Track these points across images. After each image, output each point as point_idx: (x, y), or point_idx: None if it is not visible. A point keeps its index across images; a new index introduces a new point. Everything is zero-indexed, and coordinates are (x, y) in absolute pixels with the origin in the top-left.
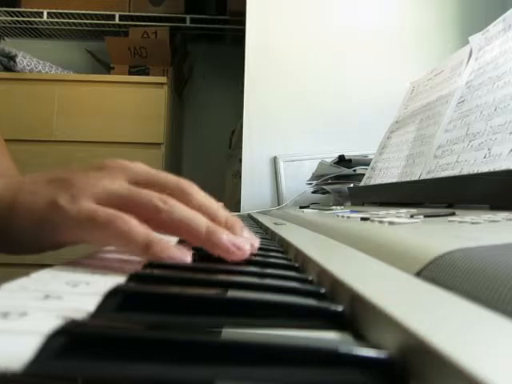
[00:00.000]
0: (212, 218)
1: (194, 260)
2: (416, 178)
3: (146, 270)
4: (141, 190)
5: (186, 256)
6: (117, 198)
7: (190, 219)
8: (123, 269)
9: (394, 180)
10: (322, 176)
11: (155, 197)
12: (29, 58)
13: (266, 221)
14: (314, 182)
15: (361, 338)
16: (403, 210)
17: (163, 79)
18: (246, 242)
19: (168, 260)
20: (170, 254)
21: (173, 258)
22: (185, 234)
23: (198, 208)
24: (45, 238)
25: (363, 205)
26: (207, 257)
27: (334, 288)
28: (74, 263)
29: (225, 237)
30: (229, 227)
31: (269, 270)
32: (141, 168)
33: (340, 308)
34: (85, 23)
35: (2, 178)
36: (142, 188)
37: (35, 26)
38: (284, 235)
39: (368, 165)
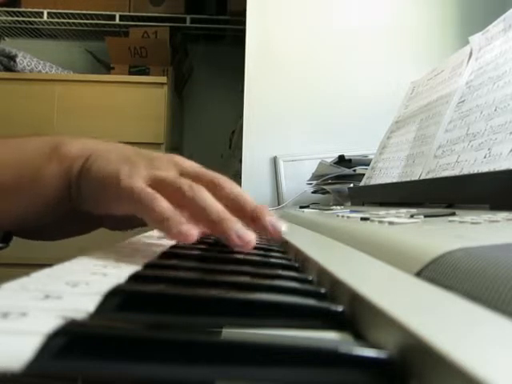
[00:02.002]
0: (238, 204)
1: (204, 245)
2: (416, 178)
3: (146, 270)
4: (179, 178)
5: (193, 232)
6: (160, 182)
7: (206, 206)
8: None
9: (394, 180)
10: (322, 176)
11: (185, 183)
12: (29, 57)
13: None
14: (314, 181)
15: (361, 338)
16: (403, 210)
17: (163, 79)
18: (251, 236)
19: (176, 235)
20: (180, 229)
21: (180, 231)
22: (202, 219)
23: (225, 198)
24: (101, 199)
25: (363, 205)
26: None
27: (334, 288)
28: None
29: (232, 226)
30: (255, 217)
31: (269, 270)
32: (189, 164)
33: (340, 308)
34: (85, 23)
35: (84, 141)
36: (187, 179)
37: (35, 26)
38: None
39: (368, 165)
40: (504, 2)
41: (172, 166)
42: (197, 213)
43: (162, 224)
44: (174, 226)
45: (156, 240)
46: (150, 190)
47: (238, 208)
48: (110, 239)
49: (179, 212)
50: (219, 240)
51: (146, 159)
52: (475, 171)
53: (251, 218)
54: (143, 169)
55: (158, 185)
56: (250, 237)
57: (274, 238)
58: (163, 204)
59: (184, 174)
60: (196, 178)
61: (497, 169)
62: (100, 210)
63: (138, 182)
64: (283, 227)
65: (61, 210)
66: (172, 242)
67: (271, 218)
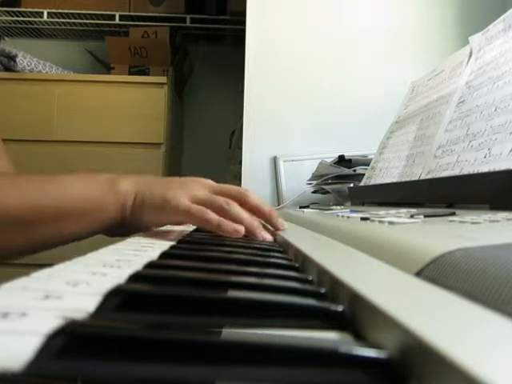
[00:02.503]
0: (259, 210)
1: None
2: (416, 178)
3: (146, 270)
4: (215, 196)
5: (242, 229)
6: (201, 201)
7: (240, 216)
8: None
9: (394, 180)
10: (322, 176)
11: (222, 200)
12: (29, 57)
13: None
14: (314, 181)
15: (361, 338)
16: (403, 210)
17: (163, 79)
18: (269, 236)
19: (232, 232)
20: (234, 228)
21: (235, 229)
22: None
23: (250, 206)
24: (160, 218)
25: (363, 205)
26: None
27: (334, 288)
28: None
29: (258, 231)
30: (269, 216)
31: (269, 270)
32: (215, 183)
33: (340, 308)
34: (85, 23)
35: (131, 178)
36: (217, 195)
37: (35, 25)
38: (284, 235)
39: (368, 165)
40: (504, 2)
41: (201, 186)
42: (233, 221)
43: (219, 227)
44: (228, 225)
45: (155, 240)
46: (198, 206)
47: (259, 212)
48: (109, 239)
49: None
50: (219, 240)
51: (180, 184)
52: (475, 171)
53: (267, 219)
54: (183, 192)
55: (200, 202)
56: (270, 237)
57: (279, 230)
58: (212, 214)
59: (214, 191)
60: (226, 194)
61: (497, 169)
62: (158, 225)
63: (185, 201)
64: (286, 225)
65: (113, 231)
66: (172, 243)
67: (280, 220)
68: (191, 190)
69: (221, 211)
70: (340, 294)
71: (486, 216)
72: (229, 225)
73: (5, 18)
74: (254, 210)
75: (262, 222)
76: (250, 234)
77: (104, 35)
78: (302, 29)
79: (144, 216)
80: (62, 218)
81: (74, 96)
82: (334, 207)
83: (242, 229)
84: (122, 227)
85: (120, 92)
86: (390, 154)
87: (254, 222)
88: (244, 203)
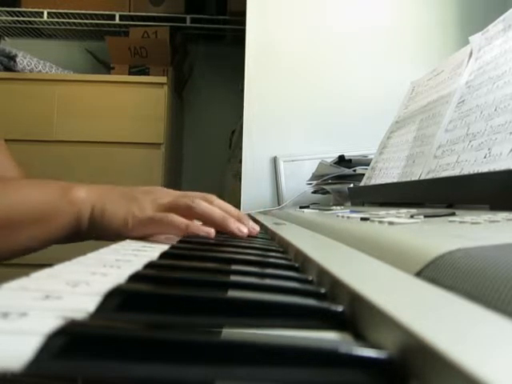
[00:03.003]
0: (227, 212)
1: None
2: (416, 178)
3: (146, 270)
4: (179, 199)
5: (212, 231)
6: (167, 206)
7: (210, 211)
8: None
9: (394, 180)
10: (322, 176)
11: (188, 200)
12: (29, 57)
13: (266, 221)
14: (314, 182)
15: (361, 338)
16: (403, 210)
17: (163, 79)
18: (245, 228)
19: (202, 234)
20: (204, 230)
21: (205, 231)
22: (208, 220)
23: (216, 206)
24: (125, 232)
25: (363, 205)
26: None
27: (334, 288)
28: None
29: (232, 223)
30: (239, 219)
31: (269, 270)
32: (179, 191)
33: (340, 308)
34: (85, 23)
35: (87, 187)
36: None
37: (35, 25)
38: (284, 235)
39: (368, 165)
40: (504, 2)
41: (166, 194)
42: (203, 217)
43: (186, 230)
44: (196, 229)
45: (155, 241)
46: (163, 213)
47: (226, 213)
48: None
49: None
50: (219, 241)
51: (144, 194)
52: (475, 171)
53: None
54: (147, 202)
55: (167, 209)
56: (245, 229)
57: (252, 234)
58: (179, 217)
59: (179, 196)
60: (191, 197)
61: (497, 169)
62: (115, 238)
63: (150, 211)
64: (257, 228)
65: (71, 239)
66: (172, 243)
67: (250, 222)
68: (156, 199)
69: (188, 210)
70: (340, 294)
71: (486, 216)
72: (198, 228)
73: (5, 17)
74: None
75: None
76: (223, 229)
77: (104, 35)
78: (301, 29)
79: (104, 230)
80: (11, 226)
81: (74, 96)
82: (334, 207)
83: (211, 231)
84: (78, 237)
85: (120, 92)
86: (390, 154)
87: (226, 216)
88: (210, 205)
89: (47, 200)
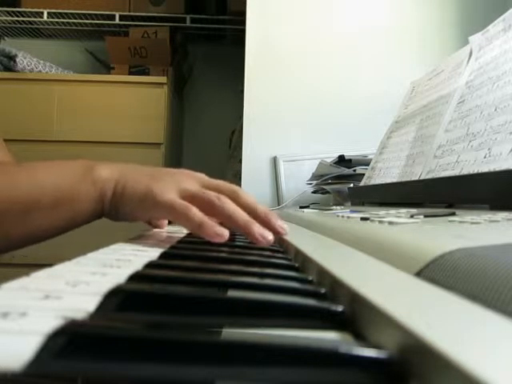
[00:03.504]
0: (253, 211)
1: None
2: (416, 178)
3: (146, 270)
4: (206, 191)
5: (225, 232)
6: (190, 194)
7: (234, 212)
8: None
9: (394, 180)
10: (322, 176)
11: (213, 195)
12: (29, 57)
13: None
14: (314, 181)
15: (361, 338)
16: (403, 210)
17: (163, 79)
18: (270, 235)
19: (213, 236)
20: (215, 230)
21: (216, 232)
22: (230, 222)
23: (242, 204)
24: (140, 212)
25: (363, 205)
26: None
27: (334, 288)
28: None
29: (256, 228)
30: (266, 220)
31: (269, 270)
32: (206, 177)
33: (340, 308)
34: (85, 23)
35: (111, 164)
36: (207, 190)
37: (35, 25)
38: (284, 235)
39: (368, 165)
40: (504, 2)
41: (192, 179)
42: (226, 218)
43: (199, 228)
44: (209, 228)
45: (155, 241)
46: (183, 201)
47: (252, 213)
48: (109, 239)
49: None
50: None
51: (169, 175)
52: (475, 171)
53: (263, 221)
54: (170, 184)
55: (189, 197)
56: (270, 236)
57: (279, 236)
58: (197, 212)
59: (205, 186)
60: (217, 190)
61: (497, 169)
62: (136, 220)
63: (171, 194)
64: (287, 228)
65: (92, 220)
66: (172, 243)
67: (279, 222)
68: (181, 183)
69: (212, 208)
70: (340, 293)
71: (486, 216)
72: (211, 227)
73: (5, 18)
74: (247, 211)
75: None
76: (246, 235)
77: (104, 35)
78: (301, 29)
79: (122, 207)
80: (31, 210)
81: (74, 96)
82: (334, 207)
83: (225, 233)
84: (99, 218)
85: (120, 92)
86: (390, 153)
87: (250, 221)
88: (236, 202)
89: (68, 181)
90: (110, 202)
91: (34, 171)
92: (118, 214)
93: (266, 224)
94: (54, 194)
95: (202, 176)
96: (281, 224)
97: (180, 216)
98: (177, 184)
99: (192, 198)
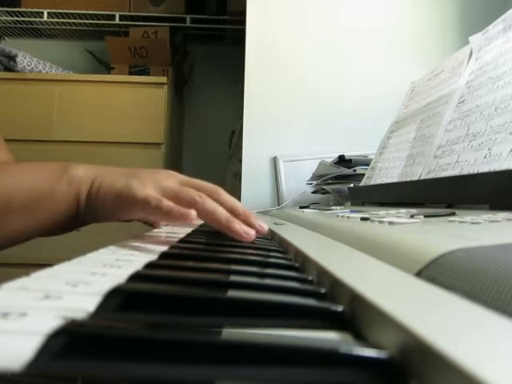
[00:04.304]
0: (234, 210)
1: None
2: (416, 178)
3: (146, 270)
4: (186, 188)
5: (192, 214)
6: (170, 192)
7: (215, 210)
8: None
9: (394, 180)
10: (322, 176)
11: (195, 193)
12: (29, 57)
13: (266, 221)
14: (314, 181)
15: (361, 338)
16: (403, 210)
17: (163, 79)
18: (252, 231)
19: (181, 217)
20: (181, 212)
21: (182, 214)
22: (211, 220)
23: (223, 203)
24: (117, 210)
25: (363, 205)
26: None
27: (334, 288)
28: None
29: (238, 225)
30: (245, 219)
31: (269, 270)
32: (185, 177)
33: (340, 308)
34: (85, 23)
35: (87, 165)
36: (187, 188)
37: (35, 25)
38: (284, 235)
39: (368, 165)
40: (504, 2)
41: (171, 177)
42: (207, 216)
43: (168, 214)
44: (176, 211)
45: (155, 241)
46: (157, 195)
47: (233, 211)
48: (109, 239)
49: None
50: (219, 240)
51: (148, 173)
52: (475, 171)
53: (243, 220)
54: (150, 181)
55: (170, 195)
56: (252, 232)
57: (259, 234)
58: (167, 202)
59: (185, 184)
60: (198, 188)
61: (497, 169)
62: (114, 219)
63: (151, 191)
64: (266, 227)
65: (68, 225)
66: (172, 243)
67: (257, 220)
68: (160, 181)
69: (193, 205)
70: (340, 293)
71: (485, 216)
72: (177, 210)
73: (5, 18)
74: (227, 210)
75: None
76: (227, 231)
77: (104, 35)
78: (302, 29)
79: (98, 206)
80: (3, 210)
81: (74, 96)
82: (334, 207)
83: (192, 213)
84: (77, 220)
85: (120, 92)
86: (390, 154)
87: (232, 218)
88: (216, 201)
89: (43, 181)
90: (85, 200)
91: (8, 172)
92: (95, 213)
93: (247, 222)
94: (28, 194)
95: (182, 175)
96: (259, 222)
97: (158, 213)
98: (156, 182)
99: (173, 196)
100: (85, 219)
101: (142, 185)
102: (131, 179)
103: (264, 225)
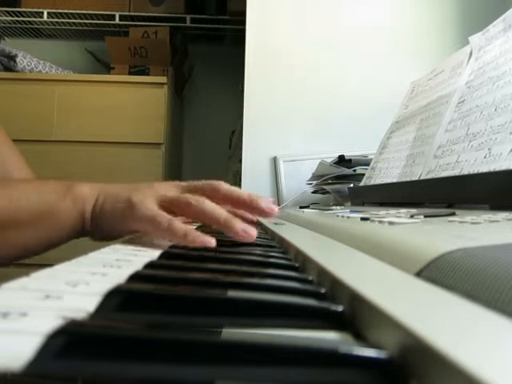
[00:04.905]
0: (237, 198)
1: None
2: (416, 178)
3: (146, 270)
4: (184, 194)
5: (212, 240)
6: (168, 200)
7: (213, 211)
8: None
9: (394, 180)
10: (322, 176)
11: (191, 198)
12: (29, 57)
13: (266, 221)
14: (314, 182)
15: (361, 338)
16: (403, 210)
17: (163, 79)
18: (253, 230)
19: (200, 244)
20: (201, 239)
21: (203, 242)
22: (210, 220)
23: (225, 195)
24: (122, 226)
25: (363, 205)
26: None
27: (334, 288)
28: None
29: (237, 224)
30: (252, 203)
31: (269, 270)
32: (185, 182)
33: (340, 308)
34: (85, 23)
35: (91, 183)
36: (187, 193)
37: (35, 25)
38: (284, 235)
39: (368, 165)
40: (504, 2)
41: (171, 187)
42: (206, 218)
43: (184, 239)
44: (195, 238)
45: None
46: (164, 213)
47: (236, 200)
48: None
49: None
50: (219, 241)
51: (148, 186)
52: (475, 171)
53: (249, 206)
54: (150, 193)
55: (169, 204)
56: (253, 231)
57: (270, 216)
58: (179, 224)
59: (184, 190)
60: (197, 190)
61: (497, 169)
62: (120, 235)
63: (151, 204)
64: (276, 208)
65: (71, 239)
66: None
67: (266, 200)
68: (159, 191)
69: (190, 209)
70: (340, 293)
71: (486, 216)
72: (198, 235)
73: (5, 18)
74: (231, 200)
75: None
76: (228, 232)
77: (104, 35)
78: (301, 29)
79: (103, 223)
80: (9, 227)
81: (73, 96)
82: (334, 207)
83: (211, 240)
84: (83, 237)
85: (120, 92)
86: (390, 154)
87: (231, 217)
88: (218, 195)
89: (48, 198)
90: (90, 218)
91: (15, 188)
92: (100, 230)
93: (253, 207)
94: (32, 211)
95: (183, 183)
96: (267, 204)
97: (163, 231)
98: (155, 193)
99: (170, 203)
100: (92, 236)
101: (143, 198)
102: (132, 194)
103: (274, 207)
